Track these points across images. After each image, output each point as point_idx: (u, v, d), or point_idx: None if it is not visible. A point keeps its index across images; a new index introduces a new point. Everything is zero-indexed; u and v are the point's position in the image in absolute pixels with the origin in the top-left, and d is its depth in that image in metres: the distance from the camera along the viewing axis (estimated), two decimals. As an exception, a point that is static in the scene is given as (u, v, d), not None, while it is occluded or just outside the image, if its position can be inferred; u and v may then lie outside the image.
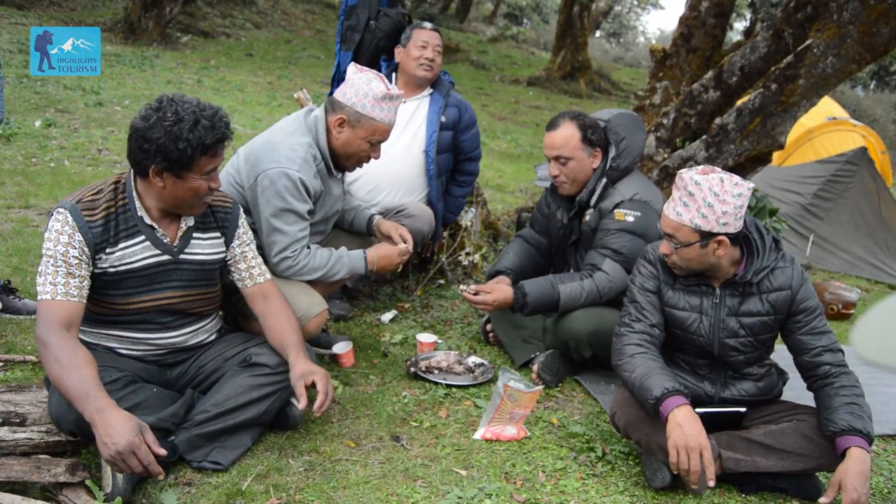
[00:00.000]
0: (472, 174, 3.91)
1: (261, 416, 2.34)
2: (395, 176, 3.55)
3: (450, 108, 3.64)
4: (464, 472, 2.35)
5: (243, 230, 2.48)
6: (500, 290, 3.13)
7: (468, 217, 4.22)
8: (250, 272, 2.49)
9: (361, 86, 2.73)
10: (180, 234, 2.30)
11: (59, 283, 2.07)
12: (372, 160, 2.90)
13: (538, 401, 2.91)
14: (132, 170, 2.21)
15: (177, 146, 2.06)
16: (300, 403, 2.25)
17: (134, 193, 2.22)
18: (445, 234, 4.13)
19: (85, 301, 2.13)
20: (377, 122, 2.75)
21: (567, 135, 3.07)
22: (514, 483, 2.32)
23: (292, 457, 2.35)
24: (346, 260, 2.87)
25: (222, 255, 2.43)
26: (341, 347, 3.06)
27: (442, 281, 4.17)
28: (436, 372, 3.05)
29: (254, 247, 2.53)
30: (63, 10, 13.26)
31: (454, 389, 2.95)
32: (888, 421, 3.08)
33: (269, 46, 14.84)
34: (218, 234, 2.41)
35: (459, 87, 14.18)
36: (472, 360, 3.19)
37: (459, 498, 2.18)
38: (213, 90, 10.54)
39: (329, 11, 18.92)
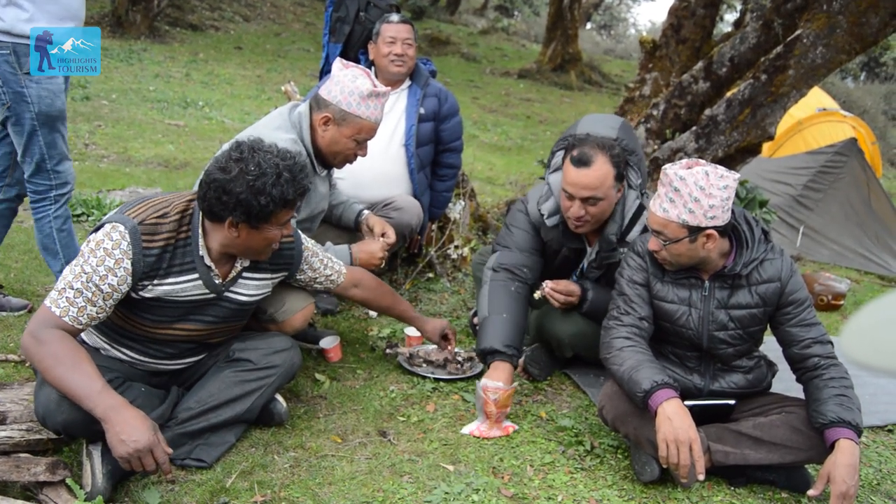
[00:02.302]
0: (454, 167, 3.80)
1: (245, 414, 2.31)
2: (377, 172, 3.46)
3: (428, 99, 3.56)
4: (451, 467, 2.33)
5: (308, 252, 2.48)
6: (569, 284, 2.90)
7: (457, 210, 4.18)
8: (329, 279, 2.60)
9: (347, 83, 2.67)
10: (233, 273, 2.24)
11: (74, 305, 1.95)
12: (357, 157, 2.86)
13: (526, 394, 2.90)
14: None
15: (258, 201, 2.00)
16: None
17: (199, 230, 2.13)
18: (434, 227, 4.10)
19: (90, 327, 2.06)
20: (363, 120, 2.71)
21: (602, 174, 2.57)
22: (502, 478, 2.30)
23: (277, 453, 2.32)
24: (332, 255, 2.84)
25: (265, 295, 2.41)
26: (328, 342, 3.04)
27: (431, 274, 4.14)
28: (424, 365, 3.02)
29: (320, 252, 2.55)
30: (49, 3, 13.12)
31: (442, 383, 2.93)
32: (877, 412, 3.07)
33: (258, 39, 14.74)
34: (269, 275, 2.37)
35: (450, 79, 14.21)
36: (461, 353, 3.17)
37: (446, 493, 2.16)
38: (201, 84, 10.47)
39: (318, 4, 18.79)
